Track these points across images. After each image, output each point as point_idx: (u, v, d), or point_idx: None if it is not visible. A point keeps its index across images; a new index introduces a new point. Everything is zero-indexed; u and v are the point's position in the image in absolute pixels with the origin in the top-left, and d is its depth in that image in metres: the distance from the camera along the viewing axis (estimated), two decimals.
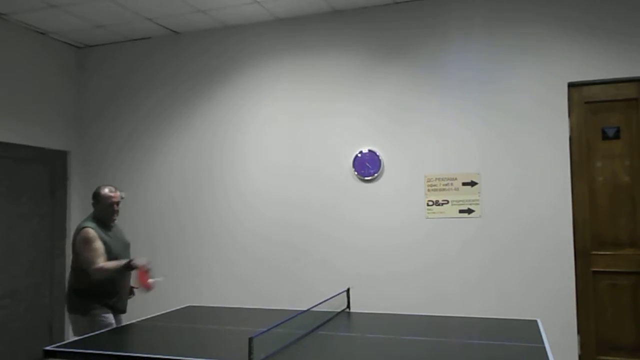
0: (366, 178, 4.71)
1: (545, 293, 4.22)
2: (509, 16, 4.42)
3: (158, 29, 5.29)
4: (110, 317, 3.48)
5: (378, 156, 4.67)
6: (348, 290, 3.68)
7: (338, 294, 3.64)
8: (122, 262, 3.40)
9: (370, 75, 4.76)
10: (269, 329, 2.52)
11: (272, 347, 2.54)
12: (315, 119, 4.91)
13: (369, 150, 4.71)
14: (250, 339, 2.27)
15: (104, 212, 3.60)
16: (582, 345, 4.19)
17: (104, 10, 4.77)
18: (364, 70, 4.78)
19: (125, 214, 5.49)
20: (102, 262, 3.38)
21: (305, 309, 3.23)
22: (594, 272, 4.21)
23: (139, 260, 3.39)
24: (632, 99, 4.20)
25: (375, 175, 4.68)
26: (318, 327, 3.05)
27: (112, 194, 3.61)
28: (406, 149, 4.64)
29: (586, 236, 4.24)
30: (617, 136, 4.22)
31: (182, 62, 5.38)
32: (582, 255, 4.24)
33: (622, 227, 4.18)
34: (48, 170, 5.40)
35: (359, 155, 4.73)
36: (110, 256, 3.48)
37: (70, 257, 3.66)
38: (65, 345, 2.72)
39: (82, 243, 3.43)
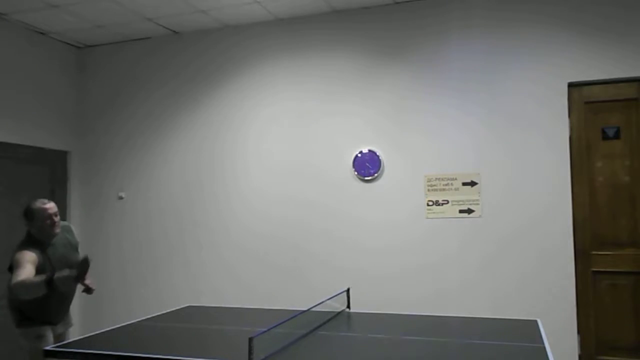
0: (366, 178, 4.71)
1: (545, 293, 4.22)
2: (509, 16, 4.42)
3: (158, 29, 5.29)
4: (39, 329, 3.29)
5: (378, 156, 4.67)
6: (348, 290, 3.68)
7: (338, 294, 3.64)
8: (43, 276, 2.99)
9: (370, 75, 4.76)
10: (269, 329, 2.52)
11: (272, 347, 2.54)
12: (315, 118, 4.91)
13: (369, 150, 4.71)
14: (250, 339, 2.27)
15: (42, 231, 3.24)
16: (582, 345, 4.19)
17: (104, 10, 4.77)
18: (364, 70, 4.78)
19: (126, 214, 5.49)
20: (21, 275, 3.03)
21: (305, 308, 3.23)
22: (594, 272, 4.21)
23: (63, 272, 3.01)
24: (632, 99, 4.20)
25: (375, 175, 4.68)
26: (318, 327, 3.05)
27: (46, 206, 3.24)
28: (406, 149, 4.64)
29: (586, 236, 4.24)
30: (617, 136, 4.23)
31: (182, 62, 5.38)
32: (582, 255, 4.24)
33: (622, 227, 4.18)
34: (48, 170, 5.40)
35: (359, 155, 4.73)
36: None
37: None
38: (65, 345, 2.72)
39: (15, 261, 3.14)
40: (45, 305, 3.32)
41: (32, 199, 3.33)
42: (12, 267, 3.18)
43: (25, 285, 2.98)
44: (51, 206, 3.26)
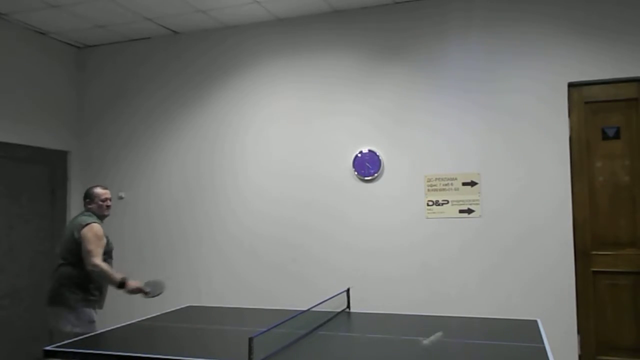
0: (366, 178, 4.71)
1: (545, 293, 4.22)
2: (509, 16, 4.42)
3: (158, 29, 5.29)
4: (92, 313, 3.63)
5: (378, 156, 4.67)
6: (348, 290, 3.68)
7: (338, 294, 3.64)
8: (118, 276, 3.51)
9: (370, 75, 4.76)
10: (269, 329, 2.52)
11: (272, 347, 2.54)
12: (315, 119, 4.91)
13: (369, 150, 4.71)
14: (250, 339, 2.27)
15: (99, 210, 3.77)
16: (582, 345, 4.19)
17: (104, 10, 4.77)
18: (364, 70, 4.78)
19: (126, 214, 5.49)
20: (102, 262, 3.52)
21: (305, 309, 3.23)
22: (594, 272, 4.21)
23: (133, 283, 3.54)
24: (632, 99, 4.19)
25: (375, 175, 4.68)
26: (318, 327, 3.05)
27: (104, 191, 3.82)
28: (406, 149, 4.64)
29: (586, 236, 4.24)
30: (617, 136, 4.22)
31: (182, 62, 5.38)
32: (582, 255, 4.24)
33: (622, 227, 4.17)
34: (48, 170, 5.40)
35: (359, 155, 4.73)
36: (107, 251, 3.69)
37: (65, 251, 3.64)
38: (65, 345, 2.72)
39: (91, 236, 3.53)
40: (103, 288, 3.72)
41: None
42: (84, 236, 3.52)
43: (101, 271, 3.48)
44: (108, 192, 3.84)
